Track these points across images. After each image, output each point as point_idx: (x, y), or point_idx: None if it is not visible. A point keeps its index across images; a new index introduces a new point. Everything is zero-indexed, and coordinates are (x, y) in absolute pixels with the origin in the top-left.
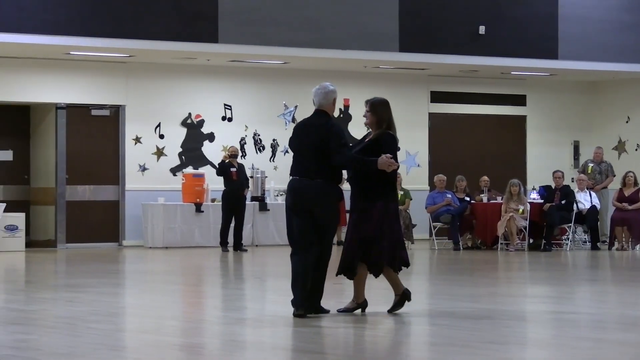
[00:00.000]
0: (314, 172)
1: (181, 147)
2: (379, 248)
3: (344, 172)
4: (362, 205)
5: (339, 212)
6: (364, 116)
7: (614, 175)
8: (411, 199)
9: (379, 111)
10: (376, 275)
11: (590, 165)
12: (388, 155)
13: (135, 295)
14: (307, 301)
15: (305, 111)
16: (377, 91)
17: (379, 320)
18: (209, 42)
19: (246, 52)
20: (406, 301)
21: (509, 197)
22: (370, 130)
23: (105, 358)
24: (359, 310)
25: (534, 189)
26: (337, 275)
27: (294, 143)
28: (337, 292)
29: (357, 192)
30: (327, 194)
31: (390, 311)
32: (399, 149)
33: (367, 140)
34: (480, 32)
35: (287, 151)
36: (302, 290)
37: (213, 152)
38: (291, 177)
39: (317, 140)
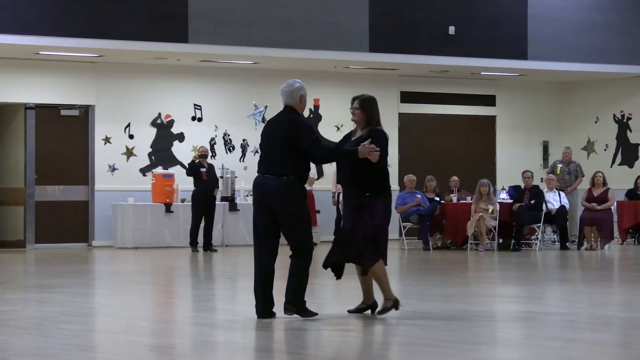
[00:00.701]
0: (279, 169)
1: (151, 147)
2: (384, 242)
3: (313, 172)
4: (363, 200)
5: (307, 211)
6: (352, 113)
7: (583, 176)
8: None
9: (368, 108)
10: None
11: (559, 165)
12: (366, 143)
13: (106, 295)
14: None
15: (276, 111)
16: (348, 91)
17: (350, 321)
18: (179, 42)
19: (216, 52)
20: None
21: (478, 197)
22: (356, 127)
23: (76, 359)
24: (368, 311)
25: (503, 189)
26: (327, 269)
27: (261, 140)
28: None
29: (354, 188)
30: (289, 191)
31: (380, 313)
32: None
33: (357, 137)
34: (450, 33)
35: (257, 151)
36: (296, 289)
37: (183, 152)
38: (257, 175)
39: (283, 137)
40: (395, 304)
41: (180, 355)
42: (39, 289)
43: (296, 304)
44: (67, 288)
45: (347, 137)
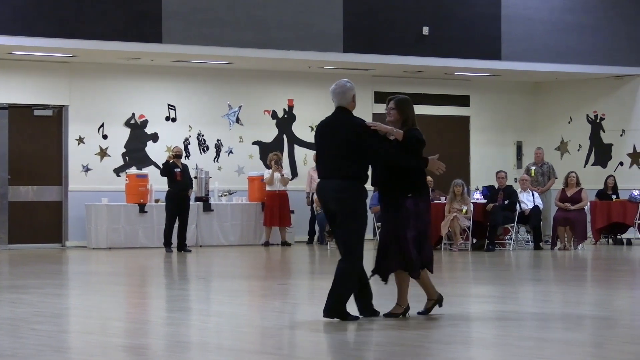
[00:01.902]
0: (341, 171)
1: (125, 147)
2: (429, 246)
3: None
4: (408, 201)
5: (365, 214)
6: (388, 113)
7: (556, 177)
8: None
9: (405, 109)
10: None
11: (533, 168)
12: (435, 157)
13: (79, 296)
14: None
15: (250, 111)
16: (322, 91)
17: (324, 322)
18: (153, 42)
19: (190, 52)
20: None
21: (452, 198)
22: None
23: (49, 359)
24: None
25: (477, 189)
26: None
27: (318, 144)
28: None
29: (393, 190)
30: (349, 193)
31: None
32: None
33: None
34: (424, 33)
35: (231, 151)
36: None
37: (157, 152)
38: (319, 179)
39: (345, 139)
40: (439, 301)
41: (153, 356)
42: (12, 290)
43: (336, 310)
44: (41, 289)
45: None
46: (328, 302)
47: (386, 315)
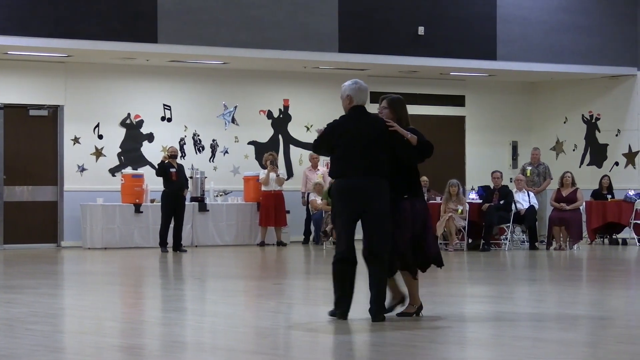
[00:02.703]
0: (379, 170)
1: (120, 147)
2: (430, 243)
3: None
4: (405, 203)
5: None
6: (380, 112)
7: (551, 178)
8: None
9: (398, 109)
10: (423, 271)
11: (529, 168)
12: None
13: (75, 296)
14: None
15: (246, 111)
16: (317, 91)
17: (319, 322)
18: (148, 42)
19: (186, 52)
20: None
21: (448, 197)
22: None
23: (44, 359)
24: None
25: (472, 189)
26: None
27: (342, 140)
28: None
29: (392, 191)
30: (384, 191)
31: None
32: None
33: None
34: (419, 33)
35: (226, 151)
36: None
37: (152, 152)
38: (345, 179)
39: (375, 137)
40: (401, 301)
41: (149, 356)
42: (7, 290)
43: (383, 312)
44: (36, 289)
45: None
46: (376, 307)
47: (400, 315)
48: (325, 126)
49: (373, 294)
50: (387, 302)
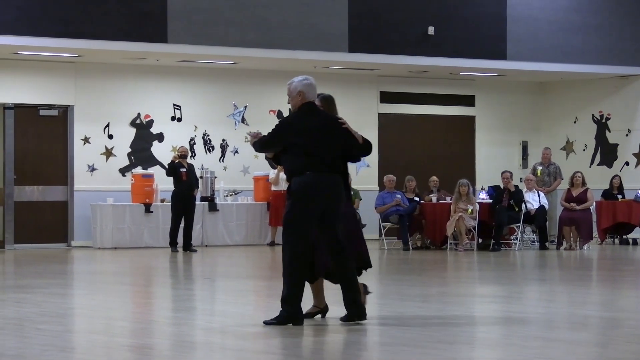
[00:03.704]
0: (337, 167)
1: (130, 147)
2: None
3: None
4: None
5: None
6: None
7: (562, 178)
8: (360, 199)
9: (330, 107)
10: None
11: (539, 168)
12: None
13: (85, 296)
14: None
15: (256, 111)
16: (327, 91)
17: (328, 322)
18: (158, 42)
19: (195, 52)
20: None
21: (458, 197)
22: None
23: (54, 359)
24: (319, 315)
25: (482, 189)
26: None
27: (305, 138)
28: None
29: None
30: (342, 189)
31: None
32: None
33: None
34: (429, 33)
35: (236, 151)
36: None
37: (162, 152)
38: (310, 175)
39: (337, 134)
40: (323, 311)
41: (158, 356)
42: (17, 290)
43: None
44: (46, 288)
45: None
46: (360, 308)
47: (305, 316)
48: (278, 124)
49: (352, 293)
50: (307, 309)
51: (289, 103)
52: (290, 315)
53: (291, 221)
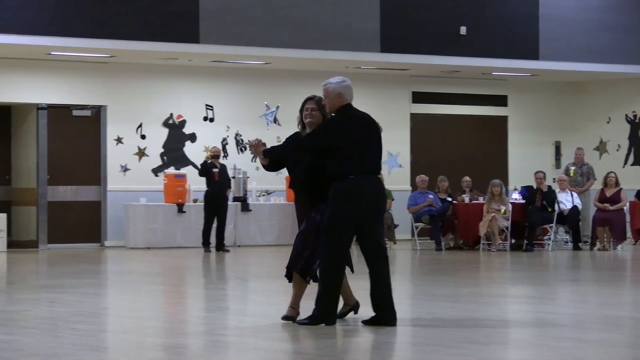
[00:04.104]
0: (378, 169)
1: (163, 147)
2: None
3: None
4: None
5: None
6: (309, 115)
7: (595, 179)
8: (393, 200)
9: (323, 110)
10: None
11: (572, 168)
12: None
13: (117, 295)
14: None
15: (288, 111)
16: (359, 92)
17: (360, 321)
18: (191, 43)
19: (228, 53)
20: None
21: (490, 198)
22: (307, 129)
23: (87, 359)
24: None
25: (515, 189)
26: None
27: (354, 136)
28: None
29: (316, 196)
30: (384, 193)
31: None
32: None
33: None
34: (461, 33)
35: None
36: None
37: (195, 152)
38: (361, 175)
39: (378, 137)
40: (354, 308)
41: (191, 356)
42: (51, 289)
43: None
44: (79, 288)
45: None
46: (391, 312)
47: (284, 318)
48: (325, 128)
49: (386, 297)
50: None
51: (323, 104)
52: (323, 315)
53: (333, 224)
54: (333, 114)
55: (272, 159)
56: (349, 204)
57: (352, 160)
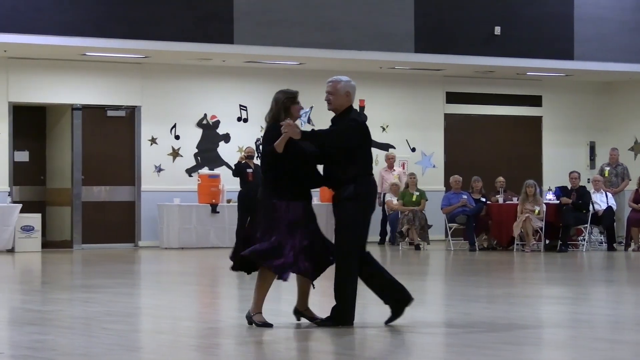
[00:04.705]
0: None
1: (197, 147)
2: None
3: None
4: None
5: None
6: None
7: (630, 179)
8: (427, 200)
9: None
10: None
11: (607, 169)
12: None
13: (151, 295)
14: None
15: (322, 112)
16: (393, 92)
17: (395, 322)
18: (224, 43)
19: (261, 53)
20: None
21: (524, 198)
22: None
23: (120, 359)
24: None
25: (549, 189)
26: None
27: (367, 140)
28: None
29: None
30: None
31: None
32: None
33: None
34: (495, 33)
35: None
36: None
37: (229, 152)
38: (371, 176)
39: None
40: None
41: (224, 356)
42: (85, 289)
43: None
44: (113, 288)
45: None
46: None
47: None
48: (356, 125)
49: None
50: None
51: (328, 102)
52: (347, 315)
53: (360, 222)
54: (336, 113)
55: (291, 151)
56: (373, 202)
57: (369, 161)
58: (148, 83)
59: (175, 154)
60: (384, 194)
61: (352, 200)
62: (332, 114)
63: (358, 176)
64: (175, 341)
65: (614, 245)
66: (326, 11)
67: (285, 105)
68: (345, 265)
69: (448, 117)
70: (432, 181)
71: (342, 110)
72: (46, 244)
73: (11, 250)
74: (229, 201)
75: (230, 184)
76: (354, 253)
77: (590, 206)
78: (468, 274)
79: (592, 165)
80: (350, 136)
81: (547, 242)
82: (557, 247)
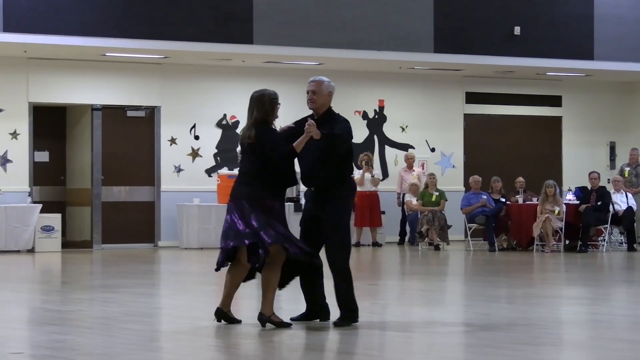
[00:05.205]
0: None
1: (216, 148)
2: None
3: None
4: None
5: None
6: (310, 99)
7: None
8: (446, 200)
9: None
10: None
11: (627, 169)
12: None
13: (170, 296)
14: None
15: (341, 112)
16: (412, 92)
17: (413, 323)
18: (244, 43)
19: (281, 53)
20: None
21: (544, 198)
22: (313, 113)
23: (140, 359)
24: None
25: (569, 190)
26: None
27: None
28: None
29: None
30: None
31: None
32: None
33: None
34: (515, 33)
35: None
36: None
37: None
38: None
39: None
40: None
41: (244, 356)
42: (105, 289)
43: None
44: (132, 288)
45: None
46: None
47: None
48: (349, 127)
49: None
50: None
51: (311, 101)
52: (355, 312)
53: (347, 221)
54: (317, 112)
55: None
56: (353, 201)
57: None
58: (168, 83)
59: (194, 154)
60: (404, 194)
61: (344, 200)
62: (349, 116)
63: (347, 176)
64: (195, 341)
65: (634, 245)
66: (346, 11)
67: (271, 106)
68: (346, 265)
69: (468, 118)
70: (452, 181)
71: (325, 110)
72: (66, 244)
73: (31, 250)
74: None
75: None
76: (348, 251)
77: (610, 206)
78: (487, 275)
79: (612, 165)
80: (351, 136)
81: (567, 242)
82: (577, 247)
